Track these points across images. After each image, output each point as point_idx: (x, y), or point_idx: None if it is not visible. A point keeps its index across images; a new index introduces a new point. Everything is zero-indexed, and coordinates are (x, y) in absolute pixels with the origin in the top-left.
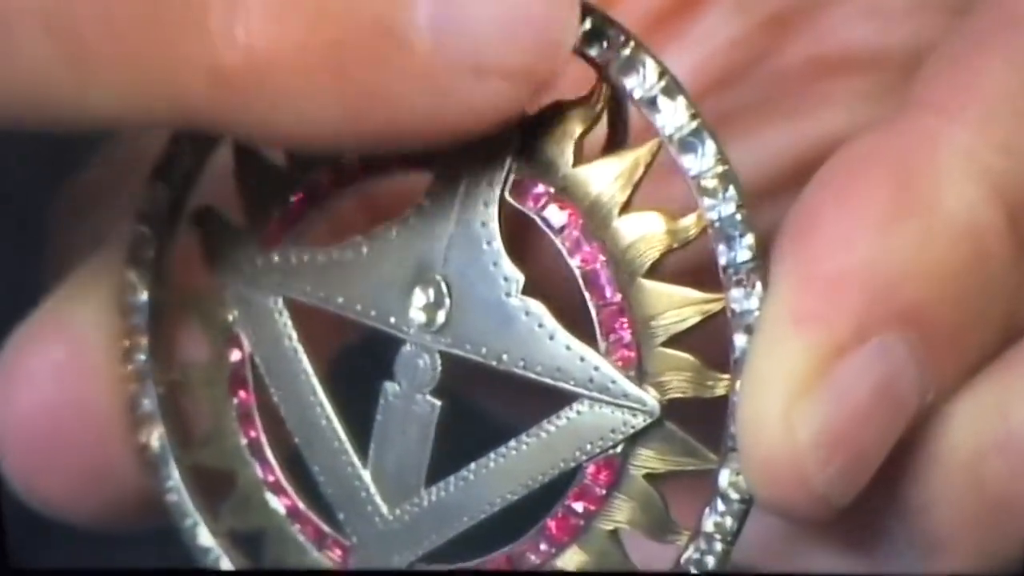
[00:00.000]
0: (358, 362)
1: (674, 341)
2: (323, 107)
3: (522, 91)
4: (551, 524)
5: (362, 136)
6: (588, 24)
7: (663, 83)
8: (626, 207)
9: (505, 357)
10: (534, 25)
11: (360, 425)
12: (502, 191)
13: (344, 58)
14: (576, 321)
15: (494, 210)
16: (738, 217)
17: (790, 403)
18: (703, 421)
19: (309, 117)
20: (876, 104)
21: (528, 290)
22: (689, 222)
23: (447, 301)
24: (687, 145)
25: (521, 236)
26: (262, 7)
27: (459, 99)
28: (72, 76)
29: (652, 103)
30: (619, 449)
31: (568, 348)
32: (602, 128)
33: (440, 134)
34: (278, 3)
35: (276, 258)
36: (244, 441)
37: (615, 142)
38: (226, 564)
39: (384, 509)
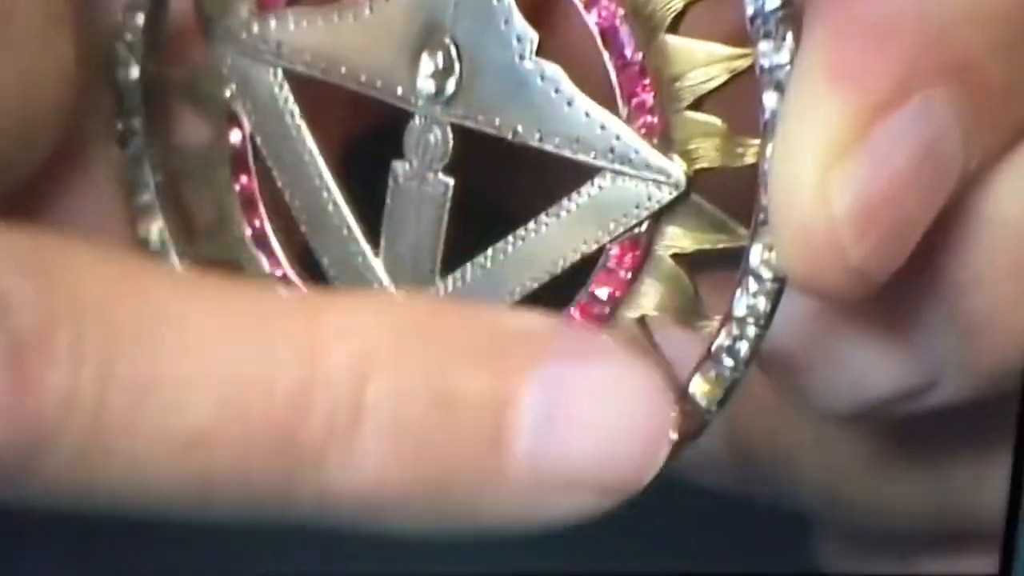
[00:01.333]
0: (368, 150)
1: (700, 104)
2: (416, 518)
3: (610, 502)
4: (574, 313)
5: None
6: None
7: None
8: None
9: (520, 128)
10: (631, 452)
11: (372, 216)
12: None
13: (446, 483)
14: (595, 88)
15: None
16: None
17: (825, 168)
18: (732, 197)
19: (401, 520)
20: None
21: (543, 53)
22: None
23: (457, 67)
24: None
25: None
26: (380, 442)
27: (546, 508)
28: (189, 501)
29: None
30: (644, 227)
31: (587, 115)
32: None
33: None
34: (392, 437)
35: (273, 24)
36: (248, 232)
37: None
38: None
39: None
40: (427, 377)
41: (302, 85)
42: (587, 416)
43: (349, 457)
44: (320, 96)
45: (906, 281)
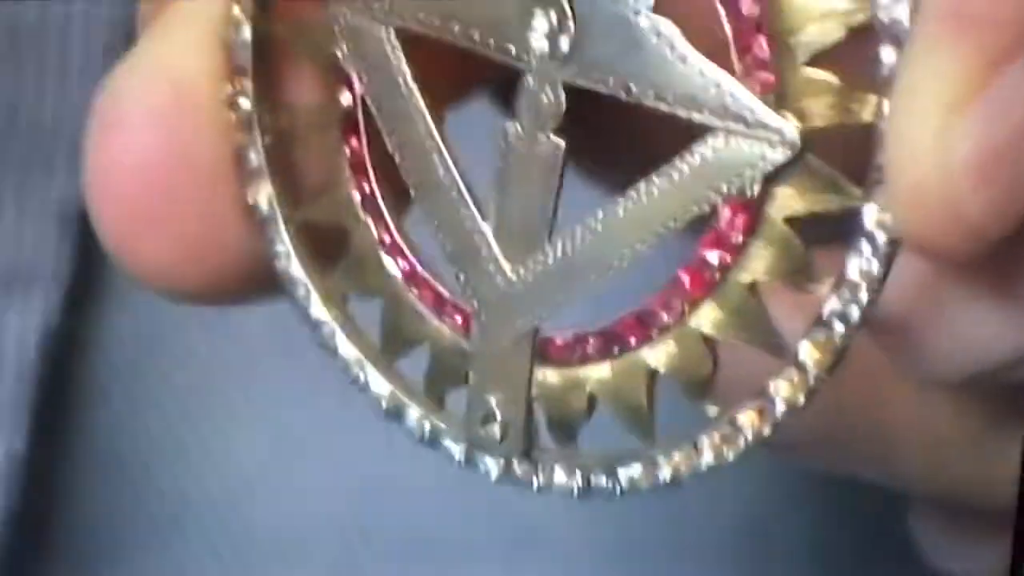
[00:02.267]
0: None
1: (816, 60)
2: None
3: None
4: (684, 278)
5: None
6: None
7: None
8: None
9: (633, 86)
10: None
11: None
12: None
13: None
14: (709, 46)
15: None
16: None
17: (945, 118)
18: (846, 157)
19: None
20: None
21: (658, 9)
22: None
23: (571, 24)
24: None
25: None
26: None
27: None
28: None
29: None
30: (756, 188)
31: (702, 73)
32: None
33: None
34: None
35: None
36: (357, 196)
37: None
38: (340, 337)
39: (507, 267)
40: None
41: (413, 46)
42: None
43: None
44: (429, 57)
45: (1021, 241)
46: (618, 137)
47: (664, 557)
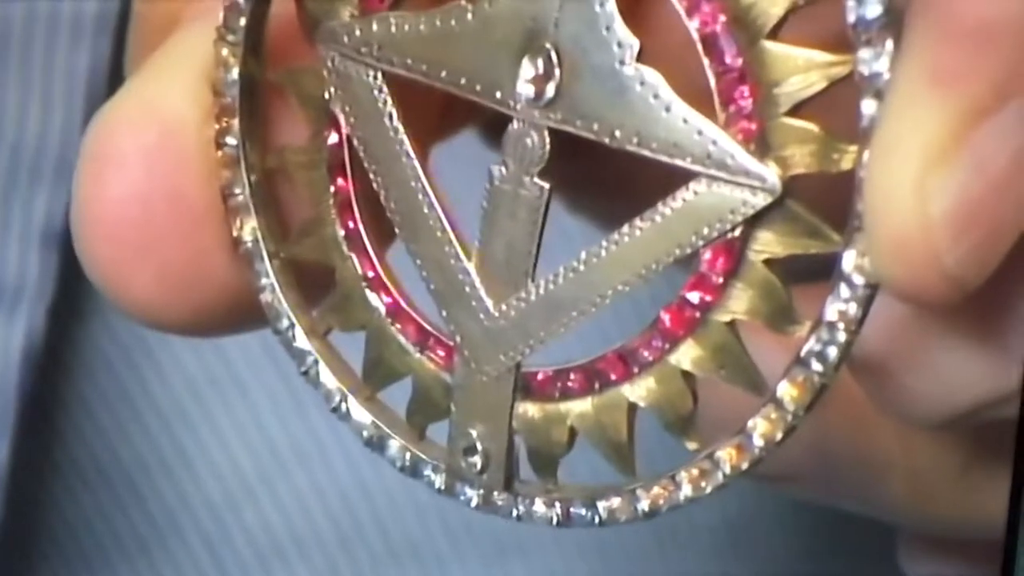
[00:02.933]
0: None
1: (797, 110)
2: None
3: None
4: (665, 317)
5: None
6: None
7: None
8: None
9: (618, 133)
10: None
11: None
12: None
13: None
14: (693, 93)
15: None
16: None
17: (924, 171)
18: (826, 203)
19: None
20: None
21: (643, 58)
22: None
23: (557, 72)
24: None
25: (635, 2)
26: None
27: None
28: None
29: None
30: (738, 232)
31: (685, 121)
32: None
33: None
34: None
35: (376, 26)
36: (343, 232)
37: None
38: (323, 368)
39: (490, 304)
40: None
41: (399, 89)
42: None
43: None
44: (415, 100)
45: (999, 284)
46: (604, 178)
47: (651, 553)
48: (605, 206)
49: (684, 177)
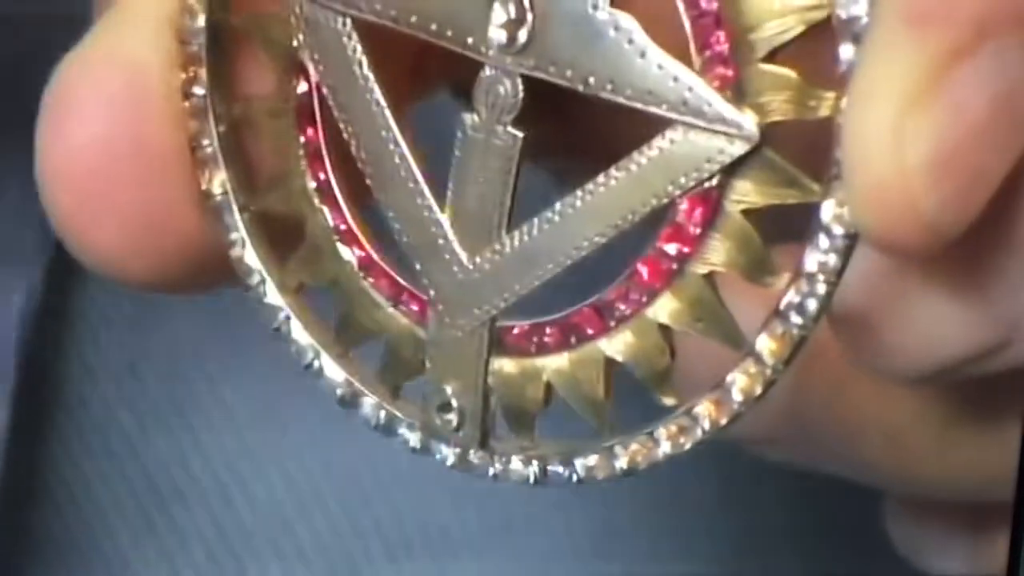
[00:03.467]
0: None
1: (774, 56)
2: None
3: None
4: (642, 269)
5: None
6: None
7: None
8: None
9: (592, 79)
10: None
11: (439, 170)
12: None
13: None
14: (668, 40)
15: None
16: None
17: (901, 115)
18: (807, 153)
19: None
20: None
21: (617, 4)
22: None
23: (529, 16)
24: None
25: None
26: None
27: None
28: None
29: None
30: (715, 181)
31: (660, 67)
32: None
33: None
34: None
35: None
36: (313, 184)
37: None
38: (296, 324)
39: (464, 257)
40: None
41: (370, 35)
42: None
43: None
44: (388, 47)
45: (980, 236)
46: (579, 129)
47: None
48: (583, 166)
49: (659, 128)
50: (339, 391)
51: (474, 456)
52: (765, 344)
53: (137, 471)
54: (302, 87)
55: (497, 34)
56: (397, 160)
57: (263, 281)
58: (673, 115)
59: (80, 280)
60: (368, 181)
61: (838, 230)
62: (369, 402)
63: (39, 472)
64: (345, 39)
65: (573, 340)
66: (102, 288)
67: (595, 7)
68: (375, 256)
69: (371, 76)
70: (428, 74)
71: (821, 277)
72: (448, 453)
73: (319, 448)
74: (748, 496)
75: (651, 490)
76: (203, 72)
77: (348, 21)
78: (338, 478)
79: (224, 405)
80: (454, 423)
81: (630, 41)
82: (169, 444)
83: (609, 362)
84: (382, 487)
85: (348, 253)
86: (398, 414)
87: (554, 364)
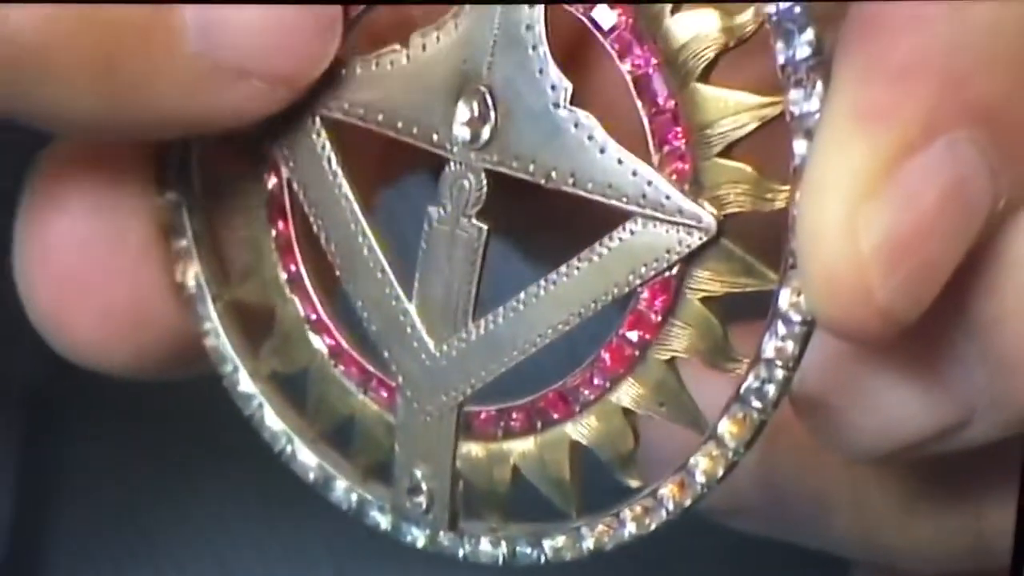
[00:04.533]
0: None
1: (730, 150)
2: (84, 93)
3: (281, 93)
4: (605, 355)
5: (123, 123)
6: None
7: None
8: (678, 4)
9: (554, 174)
10: (295, 37)
11: (406, 261)
12: None
13: (111, 49)
14: (627, 134)
15: (539, 11)
16: (797, 10)
17: (853, 207)
18: (761, 240)
19: (69, 101)
20: None
21: (577, 102)
22: (746, 18)
23: (492, 114)
24: None
25: (569, 46)
26: None
27: (219, 98)
28: None
29: None
30: (675, 271)
31: (620, 162)
32: None
33: (200, 127)
34: None
35: None
36: (284, 275)
37: None
38: (268, 411)
39: (431, 344)
40: None
41: (339, 131)
42: None
43: None
44: (356, 142)
45: (935, 320)
46: (543, 213)
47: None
48: (555, 248)
49: (622, 217)
50: (311, 475)
51: (444, 538)
52: (726, 427)
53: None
54: (272, 181)
55: (461, 131)
56: (365, 252)
57: (236, 369)
58: (633, 208)
59: None
60: (337, 272)
61: (795, 317)
62: (341, 485)
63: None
64: (315, 136)
65: (539, 424)
66: None
67: (556, 105)
68: (344, 344)
69: (340, 171)
70: (394, 163)
71: (779, 363)
72: (418, 535)
73: None
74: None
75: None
76: (176, 171)
77: (317, 119)
78: None
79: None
80: (424, 505)
81: (590, 137)
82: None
83: (574, 445)
84: None
85: (319, 341)
86: (369, 497)
87: (521, 447)
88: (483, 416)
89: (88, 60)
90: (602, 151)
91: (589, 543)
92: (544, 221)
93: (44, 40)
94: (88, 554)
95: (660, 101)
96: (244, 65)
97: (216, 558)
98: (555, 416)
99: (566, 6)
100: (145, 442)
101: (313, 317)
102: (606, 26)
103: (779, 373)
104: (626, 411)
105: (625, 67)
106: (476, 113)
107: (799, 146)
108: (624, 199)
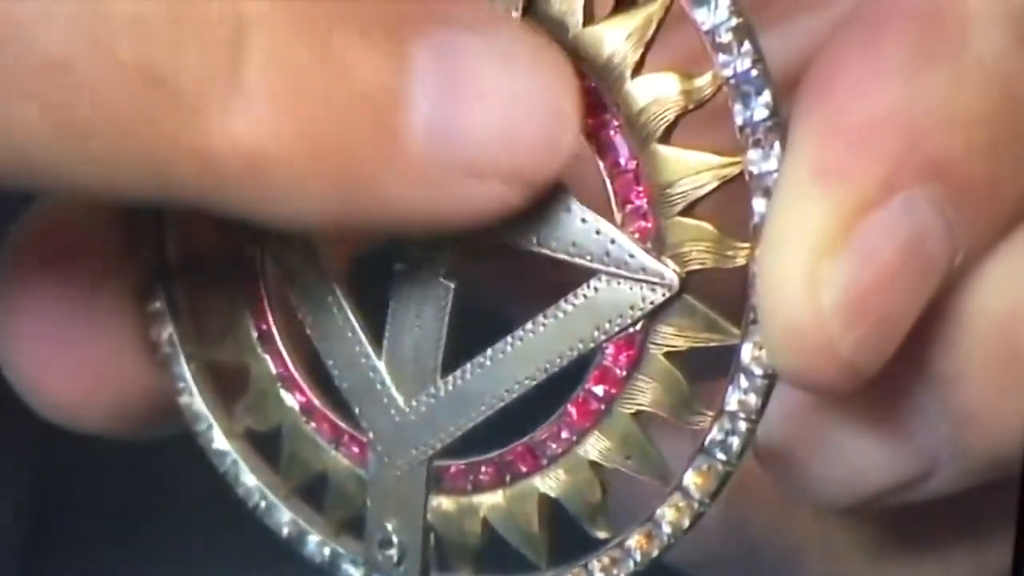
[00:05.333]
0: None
1: (691, 209)
2: (315, 200)
3: (521, 193)
4: (571, 410)
5: (357, 224)
6: None
7: None
8: (639, 68)
9: (518, 234)
10: (534, 129)
11: (375, 320)
12: None
13: (340, 156)
14: (590, 193)
15: None
16: (754, 73)
17: (813, 263)
18: (723, 296)
19: (300, 208)
20: None
21: None
22: (704, 81)
23: None
24: None
25: None
26: (262, 97)
27: (454, 200)
28: (59, 145)
29: None
30: (639, 327)
31: (583, 221)
32: None
33: (440, 227)
34: (276, 94)
35: None
36: (256, 334)
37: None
38: (243, 468)
39: (400, 400)
40: (313, 35)
41: None
42: (486, 86)
43: (231, 103)
44: None
45: (897, 373)
46: (508, 277)
47: None
48: (520, 306)
49: (586, 272)
50: (285, 530)
51: None
52: (691, 479)
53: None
54: (249, 248)
55: None
56: (335, 311)
57: (211, 427)
58: (597, 266)
59: None
60: (308, 330)
61: (757, 371)
62: (314, 540)
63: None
64: None
65: (508, 478)
66: None
67: None
68: (316, 401)
69: (313, 240)
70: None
71: (742, 415)
72: None
73: None
74: None
75: None
76: (152, 233)
77: None
78: None
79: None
80: (395, 558)
81: (553, 198)
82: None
83: (543, 498)
84: None
85: (291, 399)
86: (342, 551)
87: (490, 501)
88: (453, 470)
89: (313, 171)
90: (566, 211)
91: None
92: (508, 279)
93: (272, 156)
94: None
95: (622, 161)
96: (479, 166)
97: None
98: (524, 469)
99: None
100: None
101: (284, 374)
102: None
103: (743, 425)
104: (593, 464)
105: (586, 129)
106: None
107: (758, 204)
108: (588, 257)
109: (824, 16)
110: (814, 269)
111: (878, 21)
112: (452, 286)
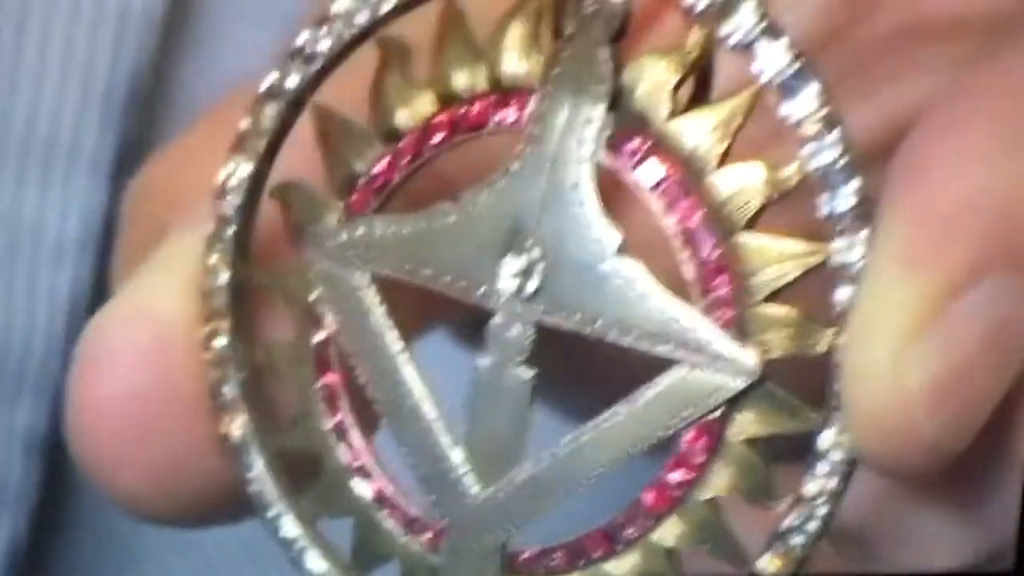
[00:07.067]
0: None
1: (774, 297)
2: None
3: None
4: (648, 496)
5: None
6: None
7: (762, 26)
8: (724, 159)
9: (599, 323)
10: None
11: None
12: (595, 148)
13: None
14: (673, 280)
15: (587, 169)
16: (841, 163)
17: (900, 348)
18: (802, 380)
19: None
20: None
21: (624, 250)
22: (790, 171)
23: (539, 267)
24: (788, 89)
25: (616, 193)
26: None
27: None
28: None
29: (749, 47)
30: (718, 414)
31: (664, 311)
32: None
33: None
34: None
35: (360, 230)
36: (329, 424)
37: (703, 91)
38: (311, 556)
39: (476, 488)
40: None
41: (385, 284)
42: None
43: None
44: (401, 293)
45: (977, 455)
46: (589, 366)
47: None
48: (593, 401)
49: (665, 361)
50: None
51: None
52: (769, 562)
53: None
54: (319, 336)
55: (508, 283)
56: (411, 401)
57: (279, 515)
58: (677, 354)
59: (64, 526)
60: (382, 421)
61: (837, 456)
62: None
63: None
64: (362, 292)
65: (581, 563)
66: (86, 535)
67: (602, 257)
68: (388, 491)
69: (385, 324)
70: (430, 312)
71: (820, 500)
72: None
73: None
74: None
75: None
76: (224, 324)
77: (367, 276)
78: None
79: None
80: None
81: (635, 287)
82: None
83: None
84: None
85: (363, 488)
86: None
87: None
88: (526, 555)
89: None
90: (646, 299)
91: None
92: (586, 373)
93: None
94: None
95: (704, 252)
96: None
97: None
98: (597, 554)
99: (613, 161)
100: None
101: (357, 464)
102: (653, 180)
103: (820, 510)
104: (668, 550)
105: (671, 220)
106: (523, 266)
107: (842, 292)
108: (668, 347)
109: (879, 101)
110: (901, 355)
111: (972, 98)
112: (531, 377)
